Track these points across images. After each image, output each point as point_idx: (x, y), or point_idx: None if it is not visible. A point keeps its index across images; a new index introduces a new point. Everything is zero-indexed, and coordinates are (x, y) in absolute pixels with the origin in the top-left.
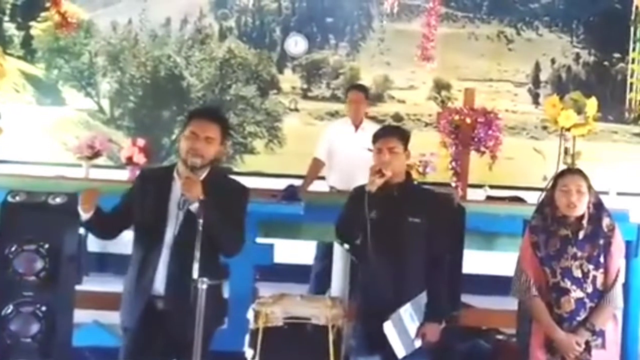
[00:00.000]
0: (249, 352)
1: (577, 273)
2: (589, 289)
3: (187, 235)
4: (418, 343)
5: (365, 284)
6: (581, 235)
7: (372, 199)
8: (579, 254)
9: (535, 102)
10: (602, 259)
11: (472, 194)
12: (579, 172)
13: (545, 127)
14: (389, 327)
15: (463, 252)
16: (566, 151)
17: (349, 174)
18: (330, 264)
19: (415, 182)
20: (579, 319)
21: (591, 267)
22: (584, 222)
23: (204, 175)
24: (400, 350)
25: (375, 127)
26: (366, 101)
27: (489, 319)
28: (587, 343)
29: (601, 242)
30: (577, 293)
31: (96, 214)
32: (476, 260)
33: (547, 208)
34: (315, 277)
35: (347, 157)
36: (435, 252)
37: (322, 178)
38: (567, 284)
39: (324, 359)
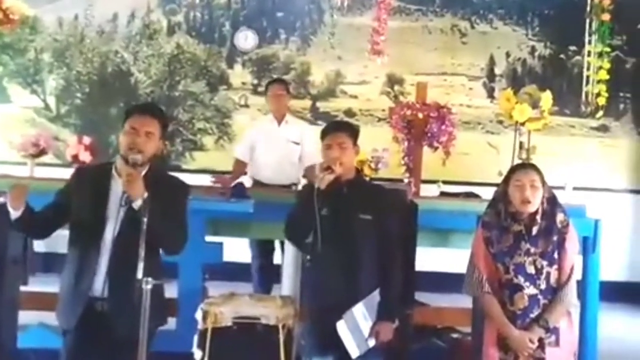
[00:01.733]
0: (197, 353)
1: (531, 269)
2: (543, 286)
3: (129, 233)
4: (372, 342)
5: (317, 282)
6: (535, 231)
7: (322, 196)
8: (533, 250)
9: (491, 96)
10: (556, 255)
11: (426, 190)
12: (533, 167)
13: (500, 122)
14: (342, 327)
15: (416, 250)
16: (521, 146)
17: (276, 168)
18: (267, 261)
19: (367, 178)
20: (532, 316)
21: (545, 263)
22: (538, 217)
23: (144, 171)
24: (353, 350)
25: (297, 121)
26: (288, 95)
27: (444, 317)
28: (540, 340)
29: (555, 238)
30: (530, 290)
31: (26, 211)
32: (430, 258)
33: (500, 203)
34: (255, 274)
35: (272, 151)
36: (387, 249)
37: None
38: (520, 280)
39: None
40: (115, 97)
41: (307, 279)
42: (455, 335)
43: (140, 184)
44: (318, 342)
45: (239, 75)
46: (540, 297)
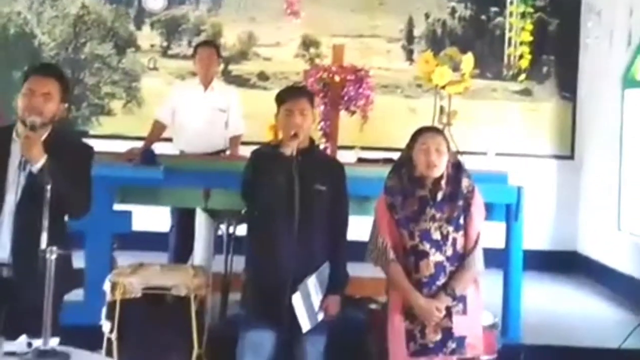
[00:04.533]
0: (106, 325)
1: (436, 235)
2: (449, 252)
3: (30, 199)
4: (321, 316)
5: (267, 253)
6: (440, 196)
7: (280, 164)
8: (438, 215)
9: (410, 58)
10: (461, 221)
11: (343, 157)
12: (438, 131)
13: (420, 85)
14: (297, 300)
15: None
16: (442, 110)
17: (201, 136)
18: (188, 229)
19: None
20: (438, 283)
21: (451, 229)
22: (443, 182)
23: (45, 135)
24: (305, 324)
25: (224, 87)
26: (218, 59)
27: (363, 287)
28: (448, 309)
29: (460, 203)
30: (436, 256)
31: None
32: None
33: (403, 168)
34: (173, 243)
35: (197, 119)
36: (338, 220)
37: (168, 140)
38: (426, 246)
39: (185, 331)
40: (18, 60)
41: (256, 248)
42: (372, 306)
43: (39, 148)
44: (258, 314)
45: (148, 37)
46: (446, 264)
